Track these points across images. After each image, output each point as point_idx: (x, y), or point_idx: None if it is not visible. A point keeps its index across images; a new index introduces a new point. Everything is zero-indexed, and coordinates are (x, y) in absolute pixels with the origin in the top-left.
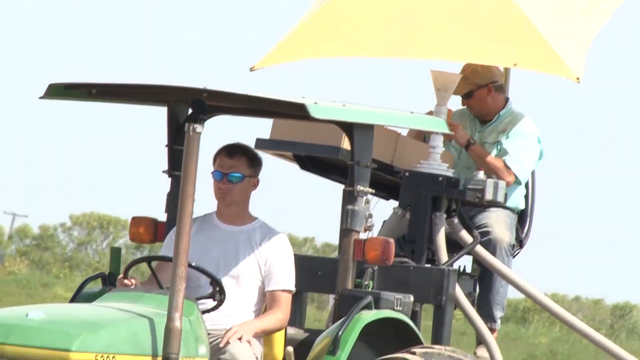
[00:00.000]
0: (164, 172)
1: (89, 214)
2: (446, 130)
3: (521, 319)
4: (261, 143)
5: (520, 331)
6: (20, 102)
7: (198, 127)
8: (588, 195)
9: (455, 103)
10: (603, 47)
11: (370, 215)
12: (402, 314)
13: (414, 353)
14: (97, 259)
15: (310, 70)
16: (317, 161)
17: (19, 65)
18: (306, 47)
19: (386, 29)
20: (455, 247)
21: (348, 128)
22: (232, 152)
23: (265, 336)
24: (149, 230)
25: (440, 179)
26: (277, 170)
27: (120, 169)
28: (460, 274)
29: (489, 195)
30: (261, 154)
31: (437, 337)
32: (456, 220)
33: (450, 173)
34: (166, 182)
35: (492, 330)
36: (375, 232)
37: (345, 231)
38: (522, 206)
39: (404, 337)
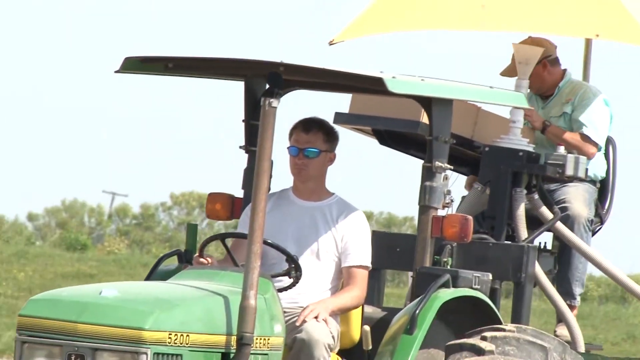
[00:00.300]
0: (240, 147)
1: (188, 193)
2: (525, 105)
3: (620, 298)
4: (340, 117)
5: (620, 311)
6: (116, 78)
7: (274, 102)
8: None
9: (510, 85)
10: None
11: (449, 192)
12: (481, 292)
13: (484, 338)
14: (197, 238)
15: (390, 44)
16: (396, 136)
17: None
18: (386, 20)
19: (466, 2)
20: (535, 223)
21: (426, 103)
22: (309, 126)
23: (341, 314)
24: (225, 207)
25: (521, 154)
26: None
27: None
28: (541, 250)
29: (569, 171)
30: (340, 128)
31: (516, 316)
32: (536, 196)
33: (530, 148)
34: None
35: (572, 307)
36: (454, 209)
37: (424, 208)
38: (602, 174)
39: (482, 316)
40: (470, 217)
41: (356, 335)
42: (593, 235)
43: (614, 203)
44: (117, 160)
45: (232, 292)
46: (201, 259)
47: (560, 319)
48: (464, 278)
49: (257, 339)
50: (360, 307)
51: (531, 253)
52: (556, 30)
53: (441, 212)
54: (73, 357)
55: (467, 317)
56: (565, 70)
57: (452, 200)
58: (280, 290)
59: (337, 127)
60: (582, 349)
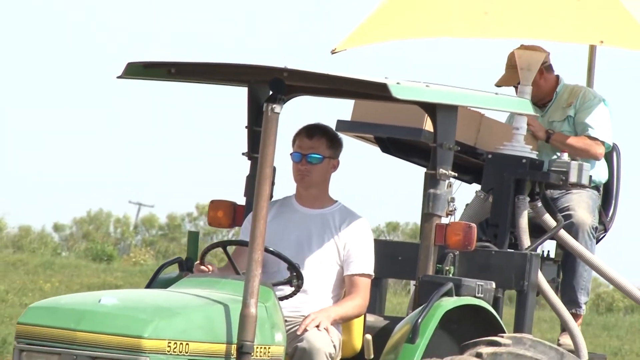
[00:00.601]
0: (243, 154)
1: None
2: (530, 112)
3: None
4: (342, 125)
5: None
6: (143, 88)
7: (277, 107)
8: None
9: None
10: None
11: (453, 199)
12: (484, 300)
13: (479, 356)
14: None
15: (393, 53)
16: (399, 143)
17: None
18: (388, 28)
19: (469, 9)
20: (538, 231)
21: (431, 109)
22: (312, 132)
23: (343, 323)
24: (227, 214)
25: (524, 161)
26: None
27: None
28: (544, 259)
29: (573, 178)
30: (342, 136)
31: (519, 324)
32: (540, 204)
33: (534, 155)
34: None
35: (577, 316)
36: (457, 216)
37: (427, 215)
38: (604, 178)
39: (485, 325)
40: (474, 225)
41: (358, 344)
42: (597, 242)
43: (618, 210)
44: (143, 170)
45: (233, 300)
46: (202, 267)
47: (564, 328)
48: (467, 286)
49: (257, 347)
50: (362, 316)
51: (534, 261)
52: (560, 36)
53: (444, 220)
54: None
55: (470, 326)
56: (558, 75)
57: (455, 208)
58: (282, 298)
59: (341, 135)
60: (585, 357)
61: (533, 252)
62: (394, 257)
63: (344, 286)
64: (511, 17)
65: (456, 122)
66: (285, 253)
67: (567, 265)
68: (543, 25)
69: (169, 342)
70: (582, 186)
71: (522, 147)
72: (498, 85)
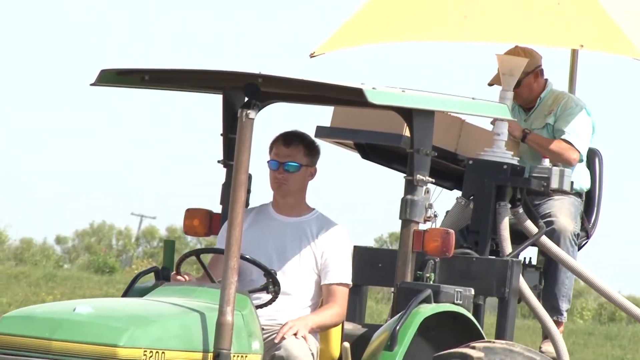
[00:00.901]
0: (219, 162)
1: None
2: (509, 117)
3: None
4: (321, 131)
5: None
6: (144, 99)
7: (251, 113)
8: None
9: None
10: None
11: (430, 206)
12: (463, 307)
13: (473, 348)
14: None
15: (372, 57)
16: (378, 150)
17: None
18: (367, 32)
19: (449, 13)
20: (519, 237)
21: (407, 114)
22: (289, 140)
23: (321, 332)
24: (203, 223)
25: (505, 167)
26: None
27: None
28: (526, 266)
29: (554, 184)
30: (322, 142)
31: (500, 332)
32: (521, 210)
33: (515, 161)
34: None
35: (558, 323)
36: (438, 223)
37: (405, 222)
38: (587, 186)
39: (465, 332)
40: (452, 231)
41: (336, 352)
42: (579, 249)
43: (600, 216)
44: (145, 182)
45: (209, 309)
46: (178, 277)
47: (546, 335)
48: (445, 293)
49: (234, 356)
50: (340, 324)
51: (515, 268)
52: (539, 40)
53: (423, 227)
54: None
55: (449, 332)
56: (547, 80)
57: (436, 215)
58: (260, 306)
59: (319, 141)
60: None
61: (514, 259)
62: (373, 264)
63: (321, 295)
64: (491, 21)
65: (433, 128)
66: (262, 261)
67: (549, 273)
68: (523, 28)
69: (145, 351)
70: (564, 192)
71: (503, 153)
72: (490, 84)
